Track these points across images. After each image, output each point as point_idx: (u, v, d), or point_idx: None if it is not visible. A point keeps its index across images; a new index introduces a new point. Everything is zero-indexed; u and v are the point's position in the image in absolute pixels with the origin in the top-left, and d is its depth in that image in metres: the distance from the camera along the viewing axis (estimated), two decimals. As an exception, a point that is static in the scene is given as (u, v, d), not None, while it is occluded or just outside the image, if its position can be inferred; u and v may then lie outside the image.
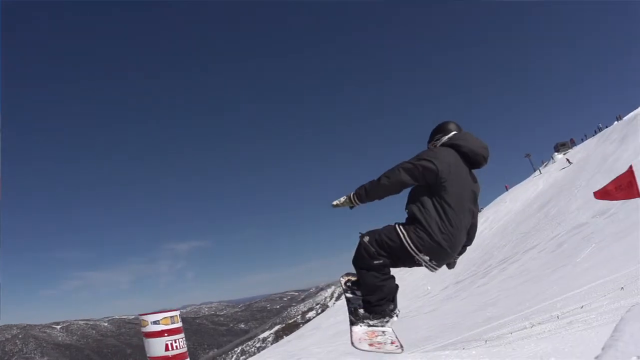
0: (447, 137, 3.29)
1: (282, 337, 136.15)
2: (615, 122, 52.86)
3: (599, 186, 30.40)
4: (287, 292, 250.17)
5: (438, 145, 3.28)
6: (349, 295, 3.41)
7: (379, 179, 3.11)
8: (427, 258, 3.03)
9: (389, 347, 3.14)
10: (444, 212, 2.95)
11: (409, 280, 40.45)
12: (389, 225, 3.13)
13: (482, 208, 63.74)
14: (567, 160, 49.26)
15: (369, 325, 3.21)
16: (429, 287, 37.30)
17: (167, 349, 4.86)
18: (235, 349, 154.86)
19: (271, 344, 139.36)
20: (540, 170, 57.25)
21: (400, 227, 3.06)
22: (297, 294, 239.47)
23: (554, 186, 43.05)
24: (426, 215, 2.97)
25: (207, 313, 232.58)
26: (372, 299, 3.18)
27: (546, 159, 64.47)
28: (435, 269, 3.14)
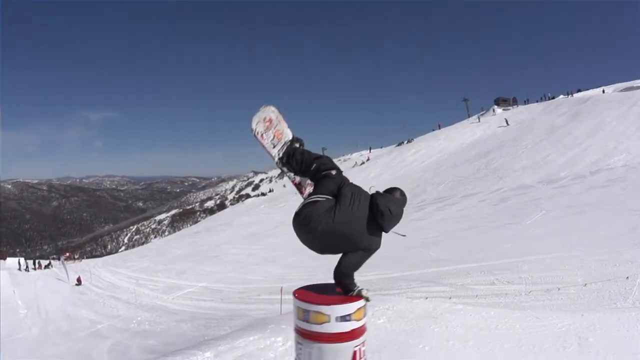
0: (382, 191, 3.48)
1: (178, 222, 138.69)
2: (562, 96, 54.54)
3: (545, 152, 31.95)
4: (189, 177, 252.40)
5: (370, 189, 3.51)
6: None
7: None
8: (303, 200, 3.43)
9: (268, 143, 3.71)
10: (325, 216, 3.16)
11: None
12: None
13: (413, 138, 64.91)
14: (506, 120, 50.21)
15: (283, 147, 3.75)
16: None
17: (354, 358, 3.08)
18: (131, 227, 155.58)
19: (167, 227, 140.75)
20: (479, 118, 58.28)
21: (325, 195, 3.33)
22: (198, 180, 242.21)
23: (494, 139, 44.07)
24: (320, 202, 3.25)
25: (108, 186, 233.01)
26: (297, 149, 3.73)
27: (486, 106, 65.11)
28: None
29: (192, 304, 20.65)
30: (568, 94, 54.62)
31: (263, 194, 76.14)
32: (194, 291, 22.83)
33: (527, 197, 23.76)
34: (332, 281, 3.42)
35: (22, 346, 17.83)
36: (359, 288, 3.34)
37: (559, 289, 10.43)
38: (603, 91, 50.22)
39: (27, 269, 40.10)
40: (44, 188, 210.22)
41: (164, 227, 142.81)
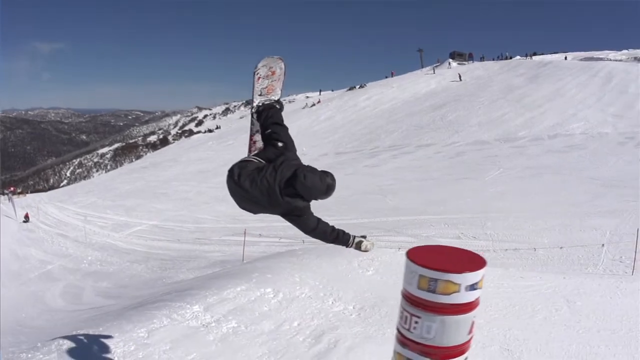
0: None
1: (120, 156, 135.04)
2: (518, 57, 55.29)
3: (502, 111, 32.37)
4: (133, 110, 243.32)
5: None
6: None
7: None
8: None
9: (258, 89, 3.77)
10: (252, 173, 3.24)
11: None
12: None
13: (365, 84, 64.36)
14: (459, 75, 50.32)
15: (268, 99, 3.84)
16: (304, 149, 37.24)
17: (471, 329, 2.74)
18: (73, 161, 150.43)
19: (109, 160, 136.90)
20: (434, 70, 58.26)
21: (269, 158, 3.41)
22: (142, 114, 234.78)
23: (449, 92, 44.15)
24: (254, 162, 3.34)
25: (53, 119, 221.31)
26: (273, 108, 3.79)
27: (442, 58, 64.14)
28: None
29: (145, 243, 19.90)
30: (526, 56, 55.33)
31: (210, 131, 74.23)
32: (145, 229, 22.01)
33: (483, 153, 24.09)
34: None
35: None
36: (357, 240, 3.31)
37: (535, 250, 10.52)
38: (565, 57, 51.03)
39: (-26, 207, 37.46)
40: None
41: (106, 161, 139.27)
